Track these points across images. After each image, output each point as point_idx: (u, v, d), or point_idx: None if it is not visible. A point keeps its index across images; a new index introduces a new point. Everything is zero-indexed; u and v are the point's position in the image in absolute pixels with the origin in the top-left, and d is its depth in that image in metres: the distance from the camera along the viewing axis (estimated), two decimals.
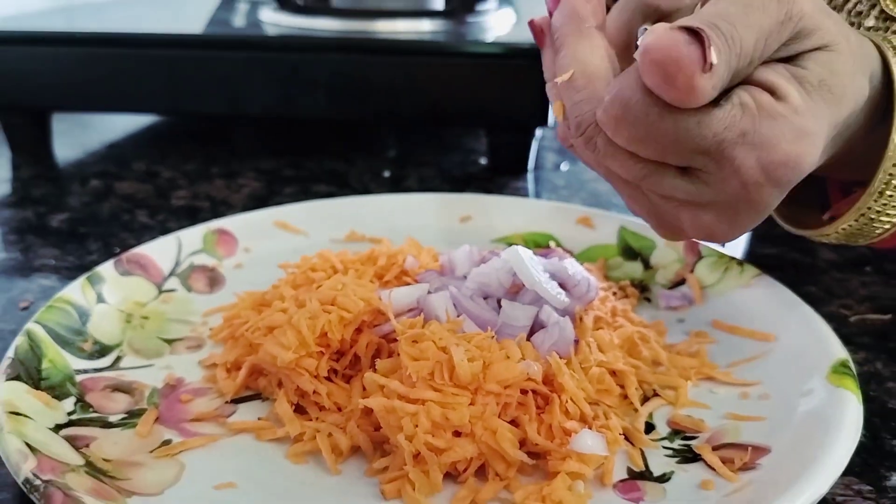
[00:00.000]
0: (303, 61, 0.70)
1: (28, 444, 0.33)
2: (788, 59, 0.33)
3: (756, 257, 0.57)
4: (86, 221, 0.63)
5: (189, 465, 0.35)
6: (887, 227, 0.39)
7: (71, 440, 0.35)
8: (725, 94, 0.31)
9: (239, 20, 0.78)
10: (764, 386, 0.40)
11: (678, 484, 0.35)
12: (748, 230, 0.35)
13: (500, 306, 0.40)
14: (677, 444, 0.37)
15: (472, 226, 0.57)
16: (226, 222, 0.54)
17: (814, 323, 0.42)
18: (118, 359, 0.42)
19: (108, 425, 0.37)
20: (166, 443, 0.37)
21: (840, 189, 0.44)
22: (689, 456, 0.36)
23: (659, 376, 0.41)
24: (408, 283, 0.44)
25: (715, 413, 0.39)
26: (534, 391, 0.36)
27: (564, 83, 0.34)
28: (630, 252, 0.53)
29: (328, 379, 0.39)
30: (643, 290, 0.50)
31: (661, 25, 0.29)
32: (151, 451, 0.36)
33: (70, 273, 0.54)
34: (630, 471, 0.36)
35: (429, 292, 0.40)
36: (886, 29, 0.43)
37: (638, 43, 0.30)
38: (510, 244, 0.48)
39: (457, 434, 0.34)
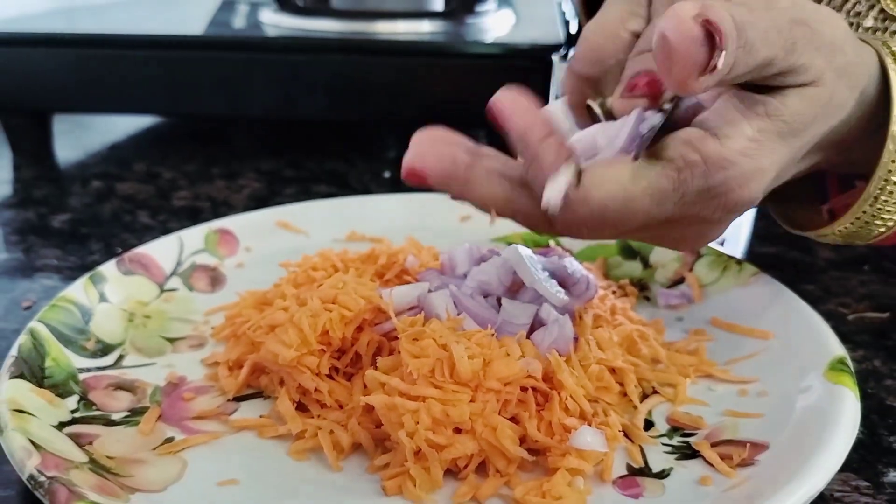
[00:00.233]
0: (303, 62, 0.71)
1: (32, 442, 0.33)
2: (766, 88, 0.33)
3: (755, 256, 0.58)
4: (87, 222, 0.63)
5: (192, 462, 0.36)
6: (883, 229, 0.39)
7: (74, 437, 0.36)
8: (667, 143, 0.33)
9: (239, 21, 0.79)
10: (762, 383, 0.40)
11: (677, 480, 0.35)
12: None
13: (500, 305, 0.40)
14: (676, 440, 0.38)
15: (471, 225, 0.57)
16: (227, 222, 0.55)
17: (811, 320, 0.42)
18: (121, 357, 0.43)
19: (111, 423, 0.38)
20: (169, 440, 0.37)
21: (839, 182, 0.45)
22: (687, 452, 0.37)
23: (658, 374, 0.41)
24: (408, 282, 0.44)
25: (713, 410, 0.39)
26: (534, 388, 0.36)
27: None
28: (629, 251, 0.53)
29: (329, 377, 0.39)
30: (642, 288, 0.51)
31: (685, 5, 0.29)
32: (154, 449, 0.36)
33: (72, 273, 0.54)
34: (629, 467, 0.36)
35: (429, 291, 0.41)
36: (885, 29, 0.43)
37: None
38: (510, 243, 0.48)
39: (457, 431, 0.35)
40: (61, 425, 0.36)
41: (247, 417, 0.39)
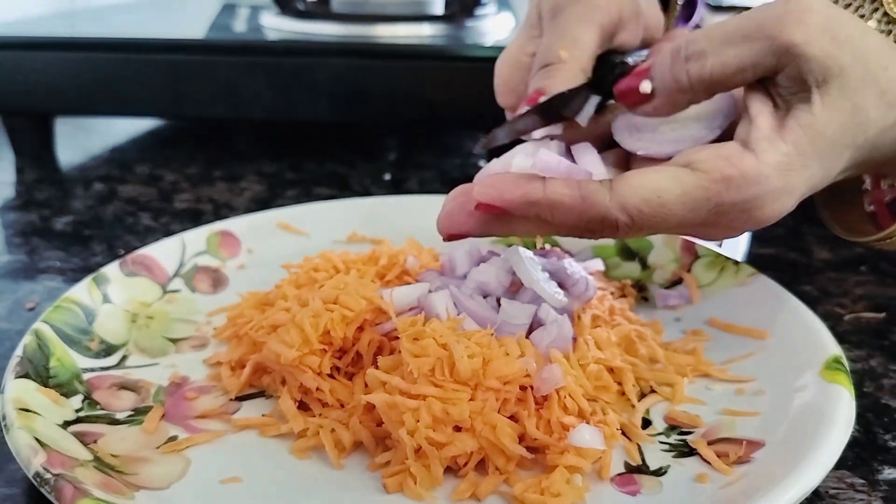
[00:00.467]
0: (304, 65, 0.71)
1: (38, 440, 0.33)
2: (795, 94, 0.33)
3: (754, 257, 0.58)
4: (90, 224, 0.64)
5: (195, 461, 0.36)
6: None
7: (79, 436, 0.36)
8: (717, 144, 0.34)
9: (240, 25, 0.79)
10: (759, 382, 0.41)
11: (674, 477, 0.35)
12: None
13: (499, 305, 0.41)
14: (674, 438, 0.38)
15: None
16: (229, 224, 0.55)
17: (808, 320, 0.43)
18: (124, 357, 0.43)
19: (115, 422, 0.38)
20: (172, 439, 0.37)
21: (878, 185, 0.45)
22: (685, 450, 0.37)
23: (656, 373, 0.42)
24: (409, 283, 0.45)
25: (711, 409, 0.40)
26: (532, 387, 0.37)
27: None
28: (628, 252, 0.54)
29: (331, 376, 0.40)
30: (641, 289, 0.51)
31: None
32: (158, 447, 0.37)
33: (75, 275, 0.54)
34: (627, 465, 0.36)
35: (429, 291, 0.41)
36: (889, 32, 0.43)
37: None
38: (509, 244, 0.49)
39: (457, 429, 0.35)
40: (66, 424, 0.37)
41: (249, 416, 0.39)
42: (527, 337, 0.39)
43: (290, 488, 0.35)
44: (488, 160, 0.45)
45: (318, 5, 0.79)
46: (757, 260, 0.57)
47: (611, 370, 0.40)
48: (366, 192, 0.71)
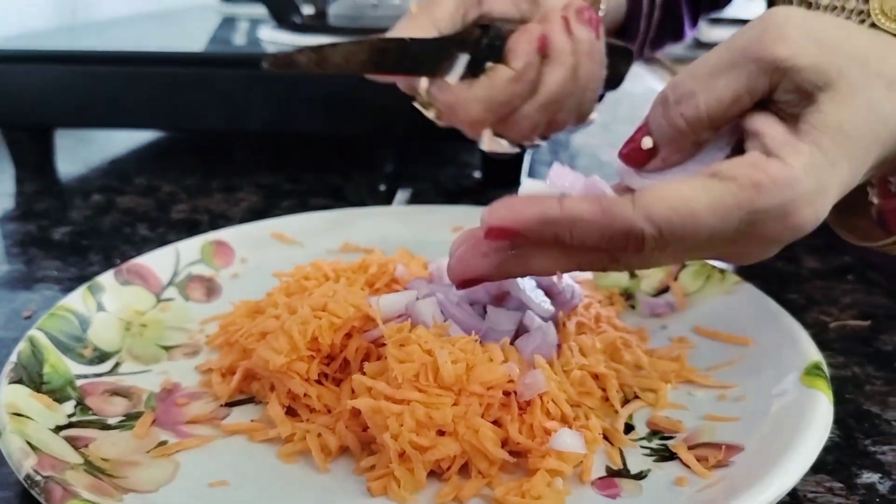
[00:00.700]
0: (301, 78, 0.72)
1: (29, 444, 0.34)
2: (798, 105, 0.33)
3: (741, 266, 0.59)
4: (87, 234, 0.65)
5: (184, 465, 0.37)
6: None
7: (71, 440, 0.37)
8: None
9: (239, 38, 0.80)
10: (740, 388, 0.41)
11: (654, 481, 0.36)
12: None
13: (486, 312, 0.41)
14: (655, 443, 0.39)
15: None
16: (223, 233, 0.56)
17: (790, 327, 0.43)
18: (117, 364, 0.44)
19: (106, 427, 0.39)
20: (162, 443, 0.38)
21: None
22: (665, 455, 0.38)
23: (640, 379, 0.42)
24: (398, 291, 0.46)
25: (692, 414, 0.40)
26: (516, 392, 0.37)
27: None
28: None
29: (318, 382, 0.40)
30: (629, 297, 0.52)
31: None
32: (148, 451, 0.37)
33: (72, 284, 0.55)
34: (608, 469, 0.37)
35: (417, 299, 0.42)
36: None
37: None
38: None
39: (441, 433, 0.36)
40: (58, 429, 0.37)
41: (238, 422, 0.40)
42: (512, 343, 0.39)
43: (277, 491, 0.35)
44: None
45: (316, 19, 0.80)
46: (745, 268, 0.57)
47: (595, 376, 0.41)
48: (361, 203, 0.71)
